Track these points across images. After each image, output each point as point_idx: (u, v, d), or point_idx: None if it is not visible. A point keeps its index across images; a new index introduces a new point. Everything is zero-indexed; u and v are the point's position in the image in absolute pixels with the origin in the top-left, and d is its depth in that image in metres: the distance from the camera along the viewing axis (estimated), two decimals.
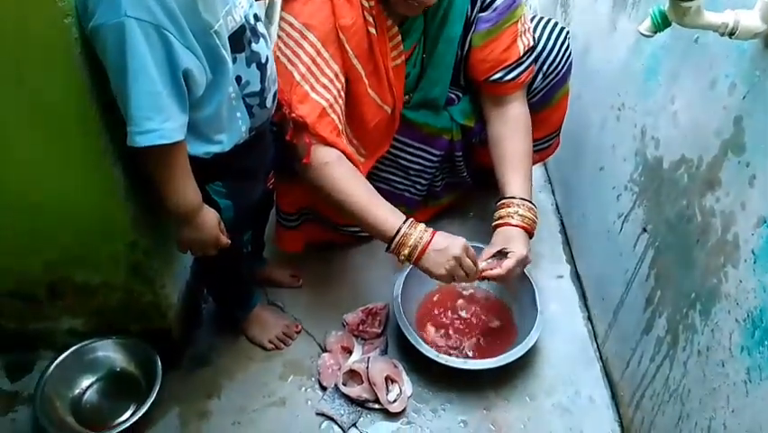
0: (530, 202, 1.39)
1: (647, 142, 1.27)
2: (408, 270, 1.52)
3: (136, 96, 0.91)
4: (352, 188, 1.29)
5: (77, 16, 0.93)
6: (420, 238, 1.25)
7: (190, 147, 1.04)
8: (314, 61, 1.25)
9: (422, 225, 1.27)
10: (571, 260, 1.73)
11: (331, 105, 1.27)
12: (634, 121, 1.34)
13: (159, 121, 0.93)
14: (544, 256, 1.73)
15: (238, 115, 1.10)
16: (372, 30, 1.29)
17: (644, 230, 1.28)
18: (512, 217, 1.36)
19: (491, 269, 1.32)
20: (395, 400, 1.38)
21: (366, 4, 1.27)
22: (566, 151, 1.72)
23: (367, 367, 1.39)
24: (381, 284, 1.63)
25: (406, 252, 1.26)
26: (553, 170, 1.92)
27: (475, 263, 1.28)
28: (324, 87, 1.26)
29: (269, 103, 1.16)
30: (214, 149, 1.09)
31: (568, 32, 1.50)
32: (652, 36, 0.93)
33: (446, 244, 1.25)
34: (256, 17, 1.09)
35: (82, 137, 1.06)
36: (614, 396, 1.42)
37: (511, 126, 1.46)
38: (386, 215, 1.28)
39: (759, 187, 0.91)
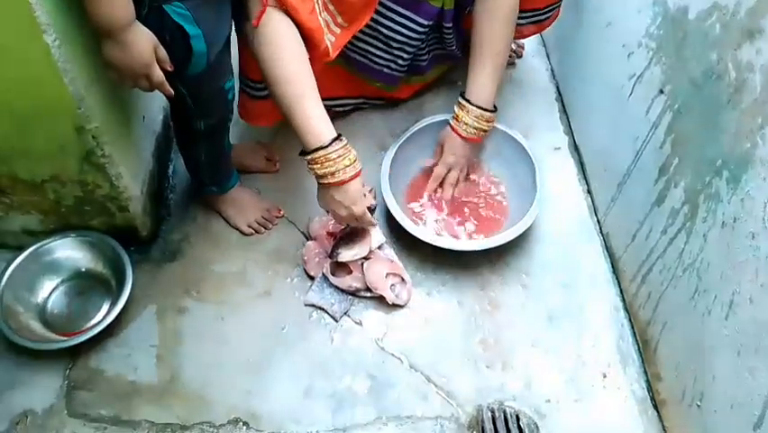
0: (486, 110, 1.35)
1: None
2: (396, 148, 1.40)
3: None
4: (292, 75, 1.10)
5: None
6: (345, 167, 1.14)
7: None
8: None
9: (353, 154, 1.16)
10: (569, 130, 1.60)
11: None
12: None
13: None
14: (540, 126, 1.60)
15: None
16: None
17: (661, 91, 1.15)
18: (459, 125, 1.36)
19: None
20: (399, 294, 1.31)
21: None
22: (565, 10, 1.53)
23: (362, 273, 1.29)
24: (366, 164, 1.50)
25: (321, 171, 1.14)
26: (548, 33, 1.73)
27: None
28: None
29: None
30: None
31: None
32: None
33: (348, 201, 1.18)
34: None
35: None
36: (615, 271, 1.36)
37: (492, 10, 1.30)
38: (319, 122, 1.12)
39: None
